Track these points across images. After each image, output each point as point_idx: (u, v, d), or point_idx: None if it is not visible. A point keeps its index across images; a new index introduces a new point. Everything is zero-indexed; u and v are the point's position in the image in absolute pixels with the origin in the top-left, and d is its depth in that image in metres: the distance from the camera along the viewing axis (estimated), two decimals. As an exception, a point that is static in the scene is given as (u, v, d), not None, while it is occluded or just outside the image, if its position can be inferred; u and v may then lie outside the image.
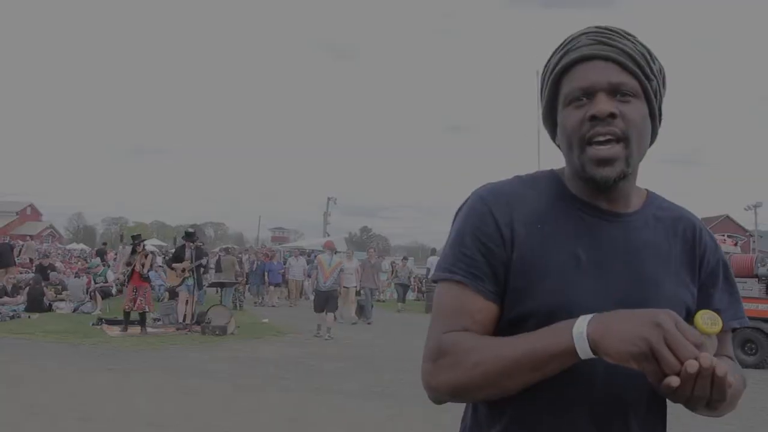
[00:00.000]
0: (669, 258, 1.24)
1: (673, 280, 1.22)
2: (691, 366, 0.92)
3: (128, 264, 11.83)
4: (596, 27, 1.23)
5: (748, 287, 10.92)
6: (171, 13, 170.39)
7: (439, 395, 1.17)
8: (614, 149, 1.14)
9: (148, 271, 11.97)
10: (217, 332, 11.32)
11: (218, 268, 17.91)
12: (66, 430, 5.43)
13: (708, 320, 1.05)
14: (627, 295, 1.15)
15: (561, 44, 1.24)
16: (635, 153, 1.17)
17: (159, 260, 18.64)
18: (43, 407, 5.99)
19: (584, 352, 1.01)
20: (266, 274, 19.39)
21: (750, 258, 11.95)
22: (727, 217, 53.19)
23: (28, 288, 14.42)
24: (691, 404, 0.99)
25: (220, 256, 19.42)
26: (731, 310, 1.27)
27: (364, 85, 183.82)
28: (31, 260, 21.95)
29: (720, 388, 0.95)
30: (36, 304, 13.86)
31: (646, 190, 1.32)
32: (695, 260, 1.27)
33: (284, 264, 20.49)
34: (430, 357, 1.17)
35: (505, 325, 1.18)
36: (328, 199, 46.31)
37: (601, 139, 1.14)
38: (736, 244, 13.21)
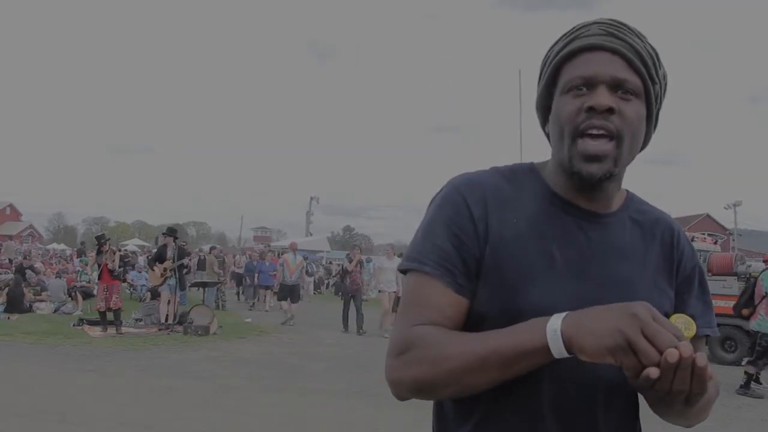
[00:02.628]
0: (646, 261, 1.21)
1: (649, 284, 1.20)
2: (671, 355, 0.88)
3: (98, 264, 11.74)
4: (610, 19, 1.17)
5: (727, 285, 11.05)
6: (156, 13, 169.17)
7: (402, 391, 1.12)
8: (605, 146, 1.10)
9: (121, 269, 11.93)
10: (199, 332, 11.25)
11: (201, 267, 17.75)
12: (46, 431, 5.37)
13: (681, 324, 1.04)
14: (601, 297, 1.08)
15: (569, 30, 1.19)
16: (626, 154, 1.13)
17: (141, 260, 18.52)
18: (23, 408, 5.92)
19: (558, 350, 0.97)
20: (257, 275, 18.40)
21: (730, 256, 12.12)
22: (708, 215, 53.79)
23: (7, 289, 14.24)
24: (669, 400, 0.95)
25: (200, 255, 18.93)
26: (705, 317, 1.25)
27: (347, 85, 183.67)
28: (10, 261, 21.68)
29: (701, 379, 0.92)
30: (16, 305, 13.69)
31: (626, 190, 1.28)
32: (672, 264, 1.24)
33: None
34: (395, 351, 1.12)
35: (475, 322, 1.14)
36: (311, 198, 46.22)
37: (594, 132, 1.10)
38: (716, 243, 13.35)
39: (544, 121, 1.23)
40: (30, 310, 14.08)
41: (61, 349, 9.49)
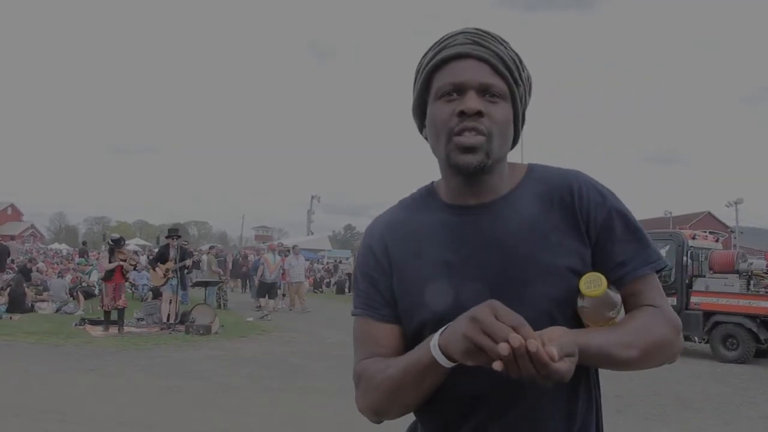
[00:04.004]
0: (546, 230, 1.24)
1: (554, 250, 1.22)
2: (502, 348, 0.95)
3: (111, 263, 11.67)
4: (474, 28, 1.27)
5: (729, 283, 11.04)
6: (157, 12, 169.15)
7: (368, 416, 1.29)
8: (477, 138, 1.19)
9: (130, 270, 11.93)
10: (201, 332, 11.26)
11: (196, 267, 17.47)
12: (47, 431, 5.37)
13: (590, 283, 1.09)
14: (503, 280, 1.20)
15: (438, 40, 1.29)
16: (496, 149, 1.22)
17: (143, 260, 18.50)
18: (24, 408, 5.92)
19: (444, 361, 1.08)
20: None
21: (731, 254, 12.07)
22: (709, 213, 53.75)
23: (9, 289, 14.26)
24: (536, 382, 0.99)
25: (195, 258, 18.42)
26: (639, 257, 1.24)
27: (347, 84, 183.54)
28: (12, 261, 21.70)
29: (540, 363, 0.95)
30: (17, 305, 13.71)
31: (528, 165, 1.35)
32: (579, 222, 1.24)
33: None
34: (355, 384, 1.30)
35: (410, 341, 1.25)
36: (312, 197, 46.24)
37: (467, 133, 1.20)
38: (717, 240, 13.32)
39: (421, 125, 1.34)
40: (32, 310, 14.10)
41: (63, 348, 9.50)
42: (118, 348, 9.70)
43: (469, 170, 1.21)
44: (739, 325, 10.47)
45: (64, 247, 45.56)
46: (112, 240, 12.23)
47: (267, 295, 15.77)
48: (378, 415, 1.26)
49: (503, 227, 1.25)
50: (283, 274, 17.09)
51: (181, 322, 11.85)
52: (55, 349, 9.45)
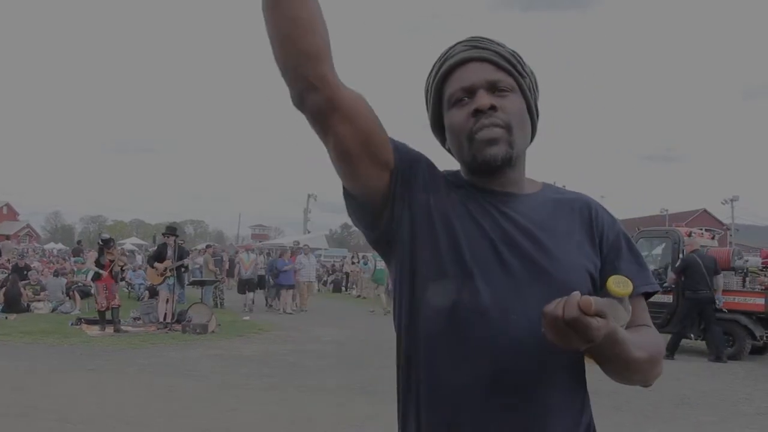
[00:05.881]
0: (570, 230, 1.30)
1: (578, 250, 1.28)
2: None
3: (100, 264, 11.62)
4: (469, 37, 1.32)
5: (725, 280, 11.06)
6: (154, 11, 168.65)
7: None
8: (498, 131, 1.23)
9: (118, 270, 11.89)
10: (197, 330, 11.24)
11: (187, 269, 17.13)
12: (44, 430, 5.36)
13: (620, 283, 1.11)
14: (532, 266, 1.23)
15: (439, 56, 1.34)
16: (518, 140, 1.26)
17: (139, 259, 18.47)
18: (21, 408, 5.91)
19: None
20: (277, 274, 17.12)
21: (727, 251, 12.09)
22: (705, 211, 53.85)
23: (4, 289, 14.22)
24: (563, 337, 1.02)
25: (192, 259, 17.84)
26: (641, 277, 1.31)
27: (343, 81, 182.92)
28: (8, 260, 21.63)
29: (573, 309, 0.99)
30: (13, 305, 13.68)
31: (542, 182, 1.40)
32: (594, 236, 1.32)
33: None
34: None
35: (408, 272, 1.28)
36: (309, 195, 46.20)
37: (486, 129, 1.23)
38: (713, 238, 13.34)
39: (442, 140, 1.38)
40: (28, 309, 14.06)
41: (59, 348, 9.48)
42: (115, 347, 9.68)
43: (496, 162, 1.24)
44: (735, 321, 10.48)
45: (55, 246, 45.20)
46: (101, 240, 12.19)
47: (247, 289, 17.19)
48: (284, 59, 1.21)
49: (529, 215, 1.28)
50: (294, 273, 16.97)
51: (178, 321, 11.82)
52: (52, 348, 9.43)
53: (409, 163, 1.29)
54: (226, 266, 20.07)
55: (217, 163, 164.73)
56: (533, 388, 1.19)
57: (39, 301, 14.90)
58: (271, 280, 17.53)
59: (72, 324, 11.97)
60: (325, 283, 29.24)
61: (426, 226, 1.26)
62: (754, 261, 12.18)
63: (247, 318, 14.49)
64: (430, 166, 1.33)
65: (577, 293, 1.00)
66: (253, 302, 16.90)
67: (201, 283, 15.12)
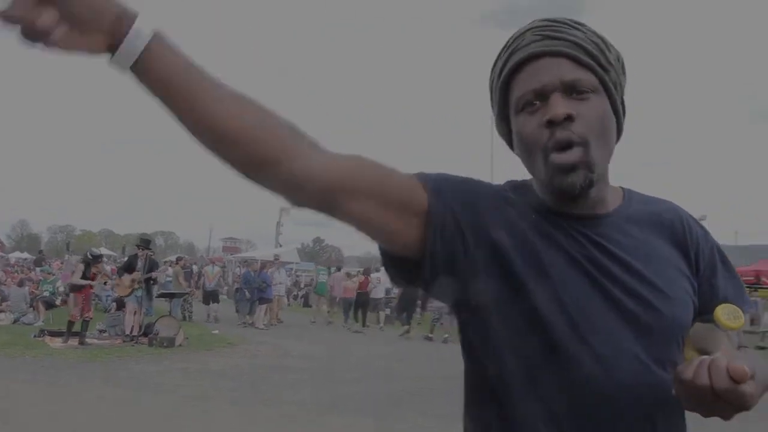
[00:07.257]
0: (664, 254, 1.14)
1: (676, 274, 1.13)
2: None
3: (86, 277, 11.43)
4: (542, 20, 1.10)
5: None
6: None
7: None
8: (574, 155, 1.03)
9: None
10: (164, 344, 11.06)
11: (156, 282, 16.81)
12: (2, 445, 5.22)
13: (731, 315, 1.00)
14: (629, 296, 1.07)
15: (505, 44, 1.12)
16: (598, 157, 1.05)
17: (108, 269, 18.15)
18: (-22, 422, 5.75)
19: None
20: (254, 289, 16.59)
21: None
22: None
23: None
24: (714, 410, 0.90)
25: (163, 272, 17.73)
26: (740, 297, 1.18)
27: (319, 89, 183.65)
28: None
29: (726, 380, 0.85)
30: (-26, 315, 13.32)
31: (621, 187, 1.22)
32: (689, 252, 1.17)
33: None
34: None
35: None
36: (281, 209, 45.95)
37: (561, 153, 1.04)
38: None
39: (510, 143, 1.17)
40: (-13, 320, 13.70)
41: (21, 360, 9.25)
42: (78, 360, 9.47)
43: (575, 192, 1.04)
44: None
45: (21, 256, 44.15)
46: (91, 255, 11.98)
47: (211, 300, 17.62)
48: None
49: (620, 241, 1.11)
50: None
51: (145, 334, 11.62)
52: (13, 360, 9.18)
53: (451, 204, 1.08)
54: (196, 278, 19.86)
55: (189, 173, 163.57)
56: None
57: (0, 311, 14.53)
58: (247, 293, 16.80)
59: (34, 336, 11.67)
60: (295, 297, 29.05)
61: (508, 268, 1.07)
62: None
63: (216, 332, 14.29)
64: (484, 195, 1.12)
65: (720, 357, 0.87)
66: (216, 312, 17.18)
67: (170, 296, 14.91)
